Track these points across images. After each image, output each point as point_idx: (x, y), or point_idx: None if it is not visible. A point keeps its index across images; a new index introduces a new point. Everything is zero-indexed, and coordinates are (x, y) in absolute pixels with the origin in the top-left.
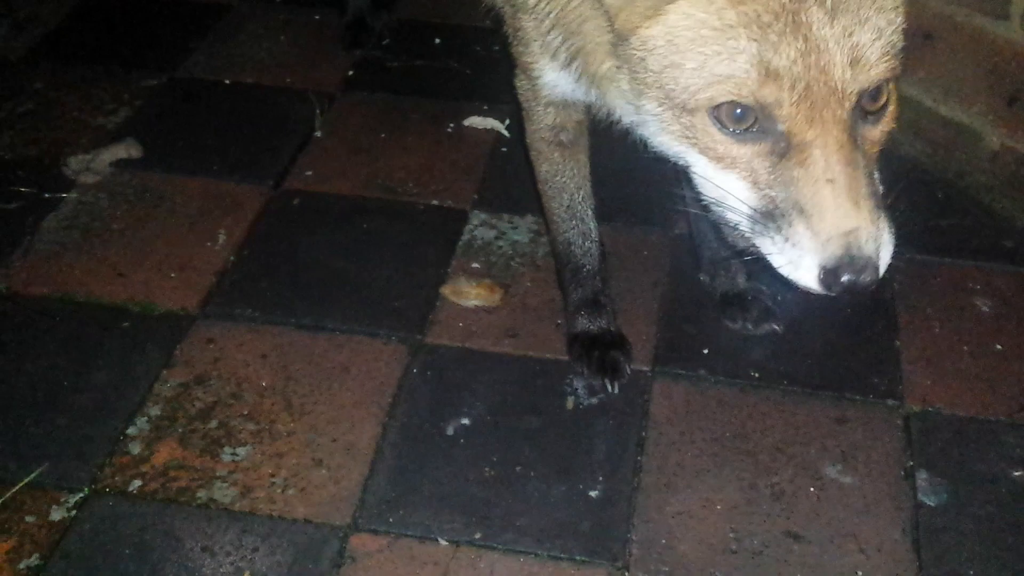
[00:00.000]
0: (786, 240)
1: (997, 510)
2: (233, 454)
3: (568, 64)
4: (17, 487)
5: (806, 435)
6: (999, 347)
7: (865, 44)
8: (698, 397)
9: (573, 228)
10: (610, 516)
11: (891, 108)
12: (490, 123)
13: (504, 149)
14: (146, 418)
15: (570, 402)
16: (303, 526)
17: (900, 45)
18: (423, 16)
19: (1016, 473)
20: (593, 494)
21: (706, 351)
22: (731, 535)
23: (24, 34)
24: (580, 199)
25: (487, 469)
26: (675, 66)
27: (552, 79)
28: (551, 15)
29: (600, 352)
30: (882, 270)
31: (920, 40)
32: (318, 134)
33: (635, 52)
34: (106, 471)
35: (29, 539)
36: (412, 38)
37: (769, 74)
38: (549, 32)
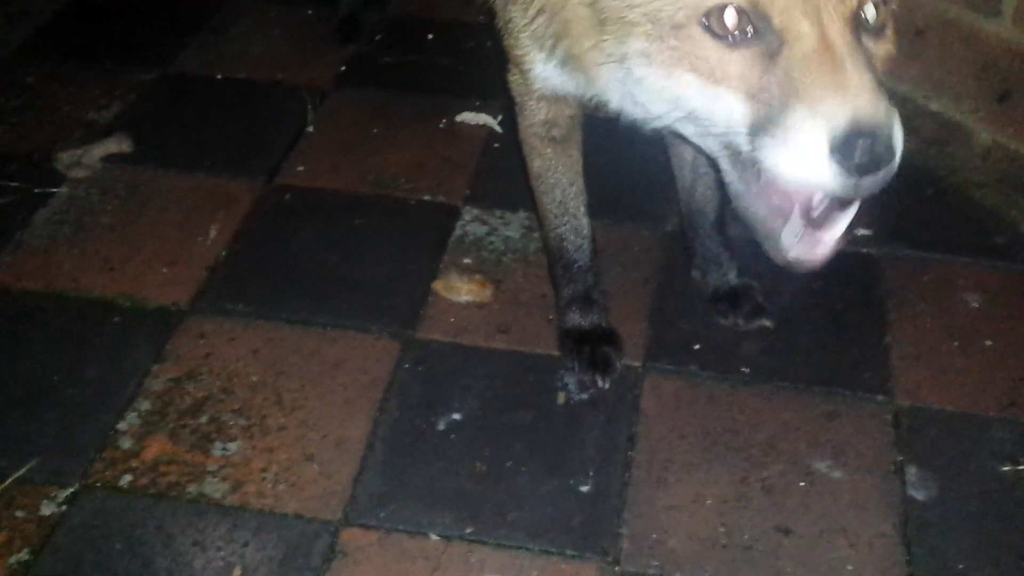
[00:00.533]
0: (786, 131)
1: (986, 505)
2: (224, 449)
3: (554, 51)
4: (7, 482)
5: (796, 430)
6: (988, 343)
7: None
8: (689, 392)
9: (565, 224)
10: (600, 511)
11: (889, 32)
12: (482, 119)
13: (496, 145)
14: (136, 413)
15: (561, 397)
16: (294, 521)
17: None
18: (415, 12)
19: (1005, 468)
20: (584, 489)
21: (697, 347)
22: (721, 529)
23: (16, 28)
24: (572, 195)
25: (478, 464)
26: None
27: (543, 72)
28: (536, 2)
29: (591, 348)
30: (897, 150)
31: (911, 36)
32: (310, 129)
33: None
34: (96, 466)
35: (19, 534)
36: (404, 34)
37: None
38: (536, 18)
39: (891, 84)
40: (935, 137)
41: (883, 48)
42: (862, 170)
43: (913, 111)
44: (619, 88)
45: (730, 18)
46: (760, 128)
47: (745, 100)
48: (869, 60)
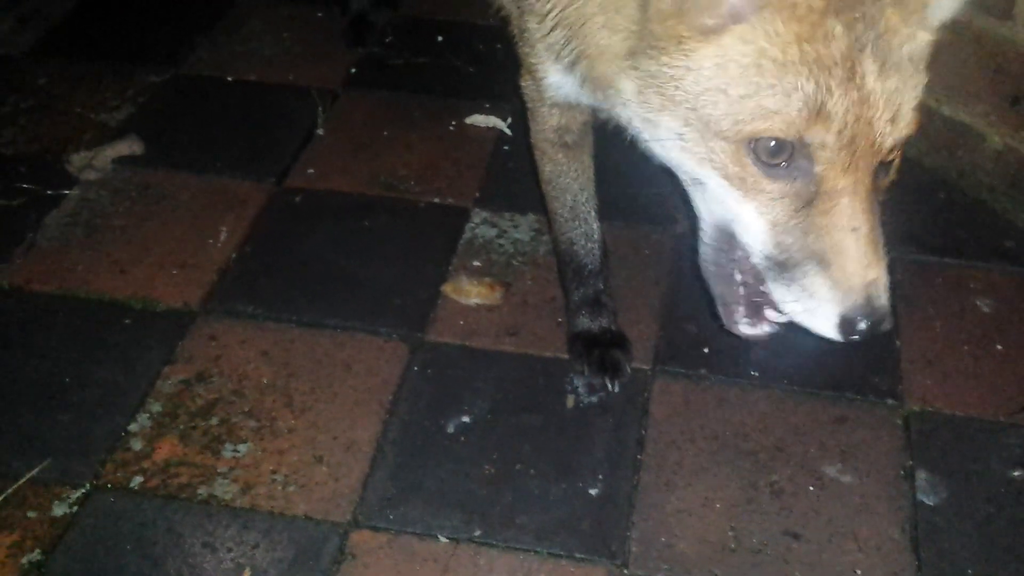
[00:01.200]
0: (803, 290)
1: (996, 510)
2: (234, 451)
3: (572, 68)
4: (19, 482)
5: (806, 434)
6: (999, 347)
7: (905, 102)
8: (698, 396)
9: (576, 228)
10: (610, 514)
11: (897, 160)
12: (492, 121)
13: (506, 147)
14: (148, 414)
15: (570, 400)
16: (304, 523)
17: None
18: (426, 13)
19: (1015, 473)
20: (593, 492)
21: (706, 350)
22: (731, 533)
23: (28, 29)
24: (584, 200)
25: (487, 467)
26: (719, 91)
27: (556, 81)
28: (552, 15)
29: (601, 351)
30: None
31: None
32: (320, 131)
33: (669, 67)
34: (108, 467)
35: (31, 534)
36: (414, 35)
37: (820, 116)
38: (551, 32)
39: None
40: (947, 141)
41: (888, 179)
42: (859, 338)
43: (925, 115)
44: (637, 124)
45: (774, 149)
46: (773, 259)
47: (769, 229)
48: (880, 222)
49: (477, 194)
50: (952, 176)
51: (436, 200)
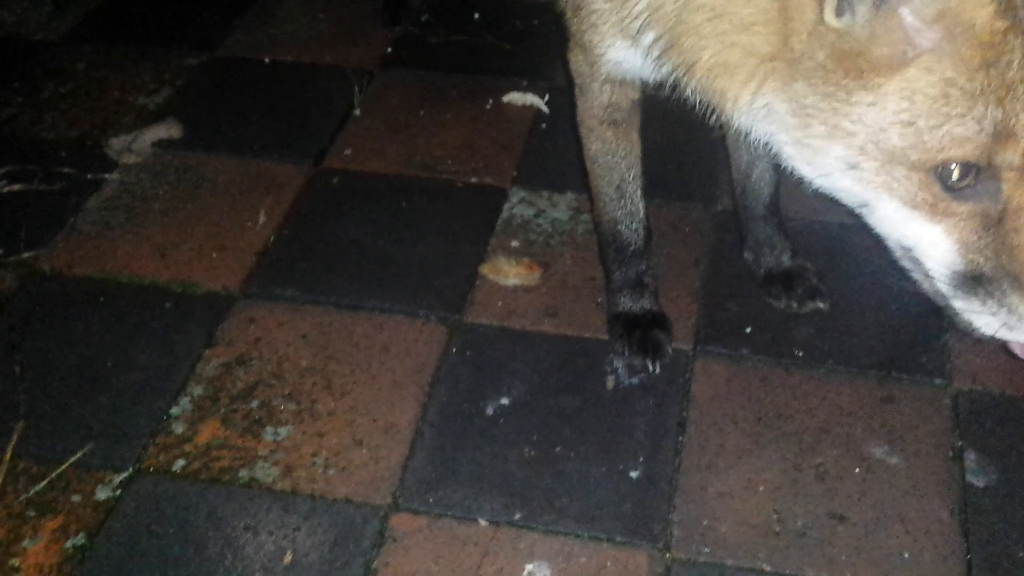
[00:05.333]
0: (1001, 306)
1: None
2: (275, 434)
3: (651, 48)
4: (63, 466)
5: (851, 415)
6: None
7: None
8: (740, 376)
9: (621, 208)
10: (651, 497)
11: None
12: (529, 99)
13: (543, 126)
14: (189, 398)
15: (610, 382)
16: (344, 506)
17: None
18: None
19: None
20: (633, 475)
21: (748, 330)
22: (774, 516)
23: (65, 15)
24: (631, 179)
25: (527, 449)
26: (907, 123)
27: (619, 56)
28: (638, 6)
29: (642, 331)
30: None
31: None
32: (357, 112)
33: (843, 101)
34: (150, 451)
35: (75, 518)
36: (450, 14)
37: (1009, 137)
38: (637, 26)
39: None
40: None
41: None
42: None
43: None
44: (790, 147)
45: (964, 172)
46: (969, 279)
47: (958, 249)
48: None
49: (515, 173)
50: None
51: (473, 180)
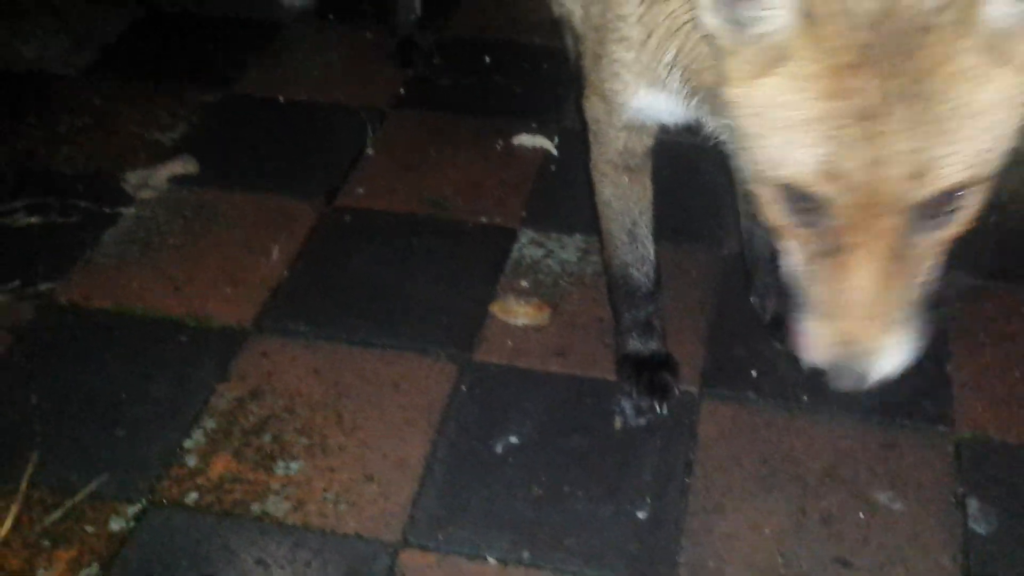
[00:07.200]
0: (807, 328)
1: None
2: (286, 468)
3: (681, 86)
4: (78, 497)
5: (856, 460)
6: None
7: (940, 156)
8: (746, 419)
9: (633, 252)
10: (658, 538)
11: (965, 211)
12: (539, 141)
13: (552, 167)
14: (202, 431)
15: (618, 422)
16: (354, 541)
17: (1001, 148)
18: (472, 34)
19: None
20: (641, 515)
21: (755, 373)
22: (780, 560)
23: (82, 49)
24: (643, 223)
25: (535, 488)
26: (762, 136)
27: (643, 104)
28: (653, 40)
29: (650, 373)
30: (874, 379)
31: None
32: (370, 151)
33: (729, 103)
34: (164, 483)
35: (89, 549)
36: (461, 56)
37: (834, 174)
38: (650, 60)
39: None
40: None
41: (946, 232)
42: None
43: None
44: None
45: (800, 198)
46: (798, 292)
47: (796, 267)
48: (907, 284)
49: (524, 214)
50: (1003, 200)
51: (483, 220)
